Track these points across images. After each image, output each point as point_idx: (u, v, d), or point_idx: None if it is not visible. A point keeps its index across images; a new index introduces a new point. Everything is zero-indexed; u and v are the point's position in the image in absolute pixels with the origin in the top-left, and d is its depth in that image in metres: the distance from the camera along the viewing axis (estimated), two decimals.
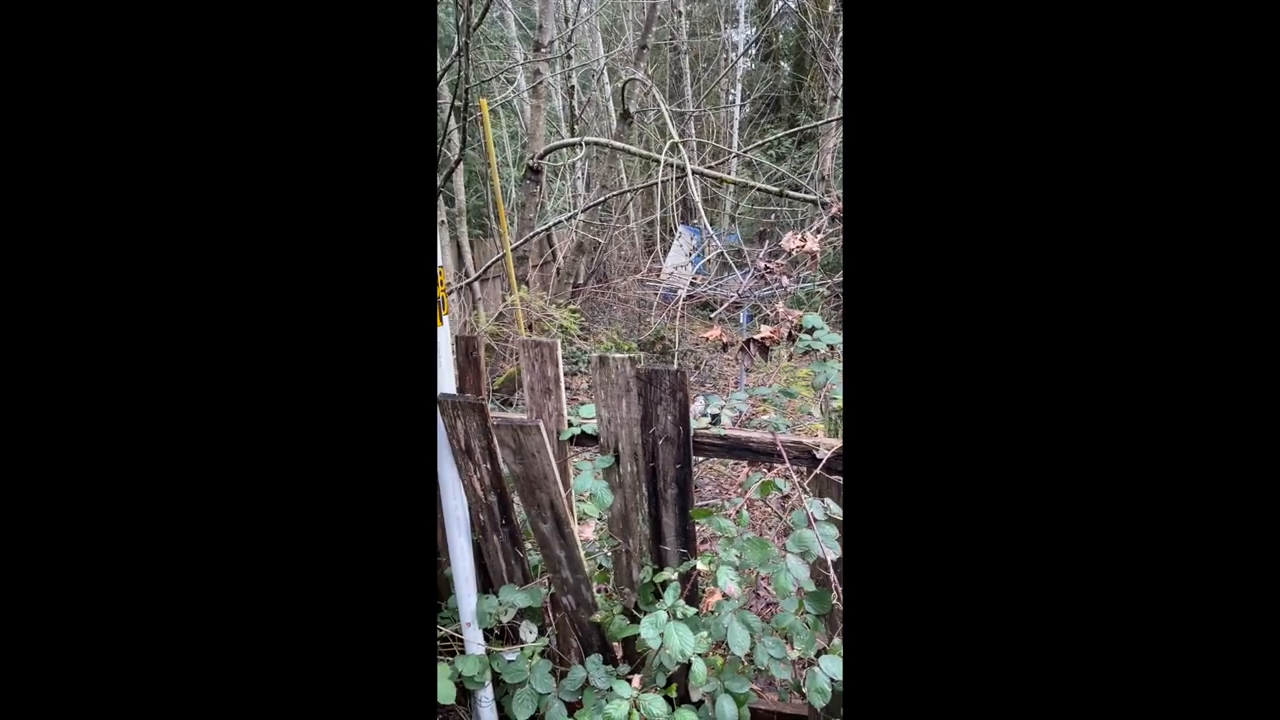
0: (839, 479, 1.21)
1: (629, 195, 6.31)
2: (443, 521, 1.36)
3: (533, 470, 1.25)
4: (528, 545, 1.44)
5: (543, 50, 4.40)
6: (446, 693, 1.22)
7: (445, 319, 1.21)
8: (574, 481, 1.33)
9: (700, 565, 1.11)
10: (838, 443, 1.21)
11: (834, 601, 1.07)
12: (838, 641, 1.07)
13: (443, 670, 1.26)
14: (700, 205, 2.66)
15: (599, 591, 1.46)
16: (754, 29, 10.70)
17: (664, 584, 1.16)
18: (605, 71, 8.05)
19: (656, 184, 2.71)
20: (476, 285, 4.40)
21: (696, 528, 1.31)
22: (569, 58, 5.61)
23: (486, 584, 1.44)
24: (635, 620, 1.24)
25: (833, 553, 1.05)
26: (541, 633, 1.38)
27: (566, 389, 1.40)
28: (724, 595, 1.05)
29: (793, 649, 1.10)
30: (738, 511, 1.16)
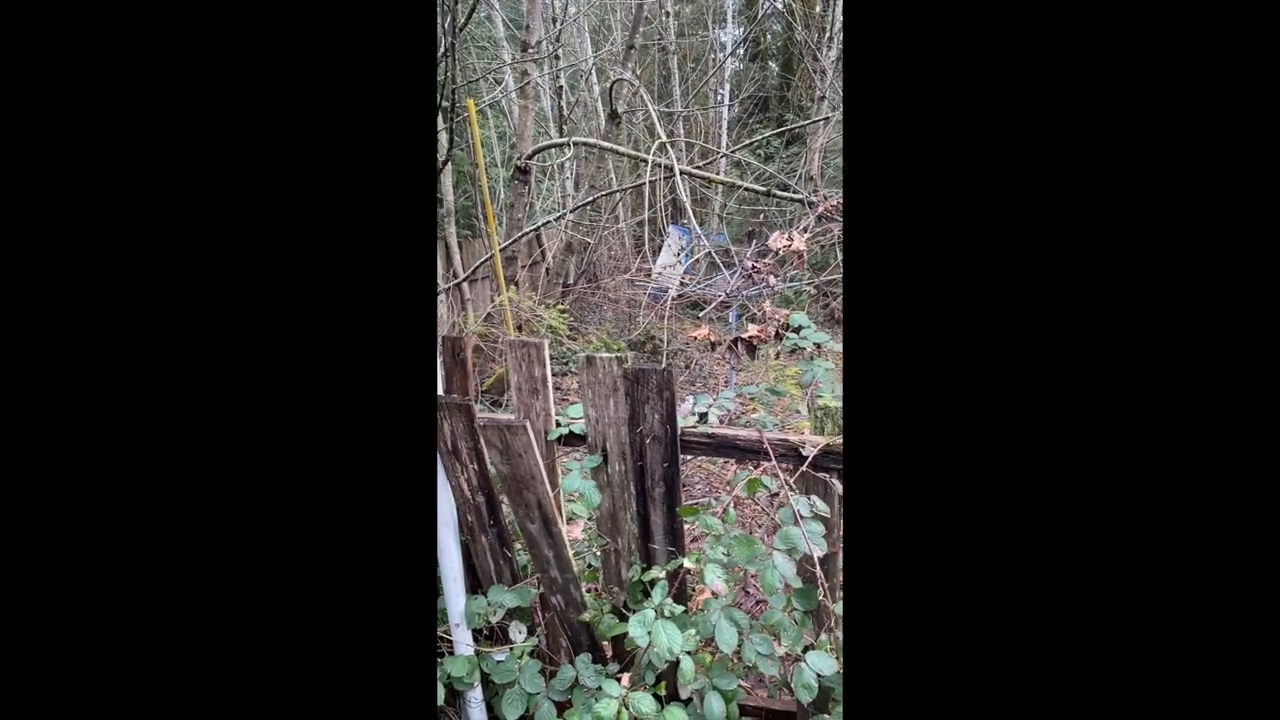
0: (825, 476, 1.22)
1: (618, 195, 6.31)
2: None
3: (520, 470, 1.25)
4: (516, 545, 1.44)
5: (530, 51, 4.39)
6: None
7: None
8: (562, 481, 1.33)
9: (688, 563, 1.11)
10: (824, 440, 1.22)
11: (820, 598, 1.08)
12: (824, 638, 1.08)
13: None
14: (688, 205, 2.67)
15: (588, 591, 1.47)
16: (742, 29, 10.74)
17: (652, 582, 1.17)
18: (594, 72, 8.05)
19: (644, 184, 2.71)
20: (465, 286, 4.38)
21: (686, 526, 1.32)
22: (557, 58, 5.61)
23: (475, 584, 1.44)
24: (624, 619, 1.24)
25: (818, 550, 1.06)
26: (530, 633, 1.38)
27: (557, 389, 1.40)
28: (712, 593, 1.06)
29: (780, 645, 1.11)
30: (725, 509, 1.17)
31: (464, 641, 1.37)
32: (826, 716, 1.01)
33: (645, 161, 2.84)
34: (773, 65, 11.82)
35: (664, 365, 1.21)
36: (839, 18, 8.11)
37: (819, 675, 1.01)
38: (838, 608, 1.06)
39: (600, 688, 1.11)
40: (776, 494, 1.27)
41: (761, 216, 7.10)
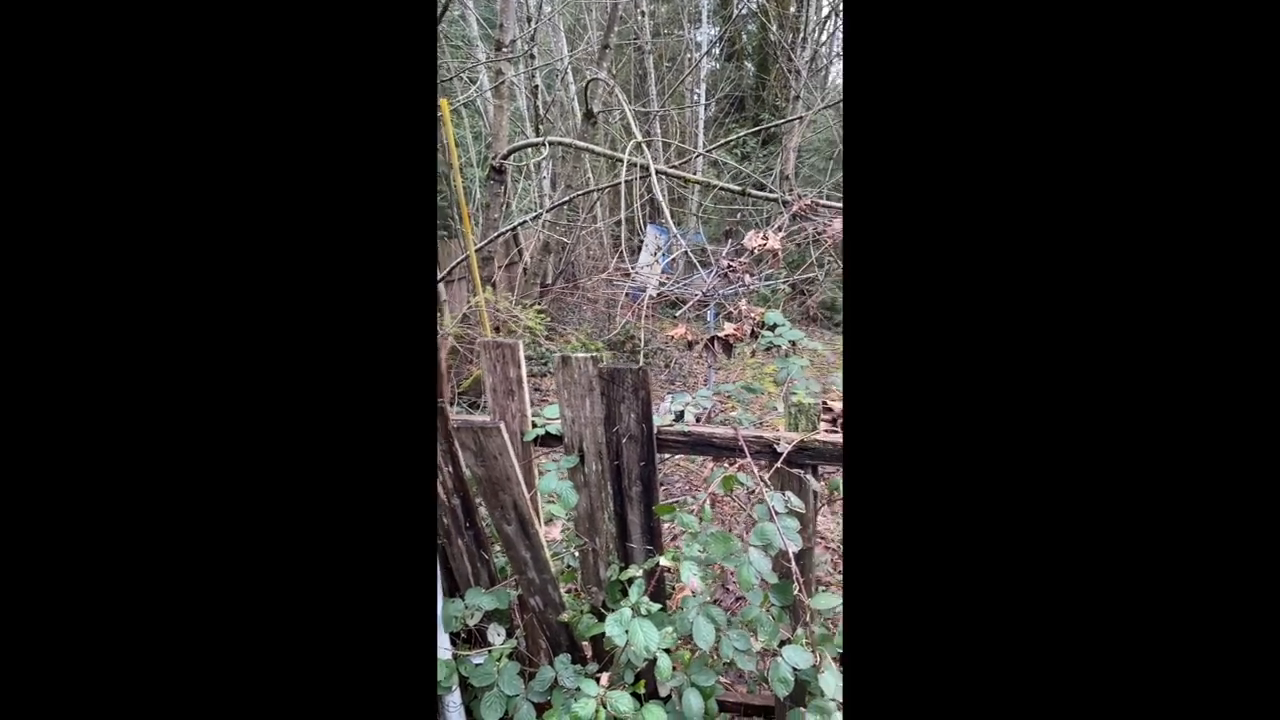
0: (799, 472, 1.24)
1: (595, 195, 6.30)
2: None
3: (495, 472, 1.24)
4: (494, 547, 1.43)
5: (504, 49, 4.37)
6: None
7: None
8: (539, 482, 1.33)
9: (664, 561, 1.11)
10: (798, 436, 1.24)
11: (795, 592, 1.09)
12: (800, 632, 1.09)
13: None
14: (664, 205, 2.67)
15: (568, 591, 1.46)
16: (717, 28, 10.79)
17: (630, 581, 1.17)
18: (569, 71, 8.02)
19: (620, 184, 2.71)
20: (441, 286, 4.34)
21: (664, 524, 1.32)
22: (532, 57, 5.58)
23: (452, 587, 1.43)
24: (603, 619, 1.24)
25: (793, 545, 1.07)
26: (509, 635, 1.38)
27: (536, 390, 1.40)
28: (689, 590, 1.06)
29: (757, 641, 1.12)
30: (700, 507, 1.17)
31: (442, 645, 1.36)
32: (803, 710, 1.02)
33: (621, 161, 2.84)
34: (748, 65, 11.90)
35: (639, 365, 1.21)
36: (812, 18, 8.19)
37: (795, 669, 1.02)
38: (813, 602, 1.08)
39: (579, 688, 1.11)
40: (755, 491, 1.28)
41: (739, 216, 7.14)
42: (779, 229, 2.25)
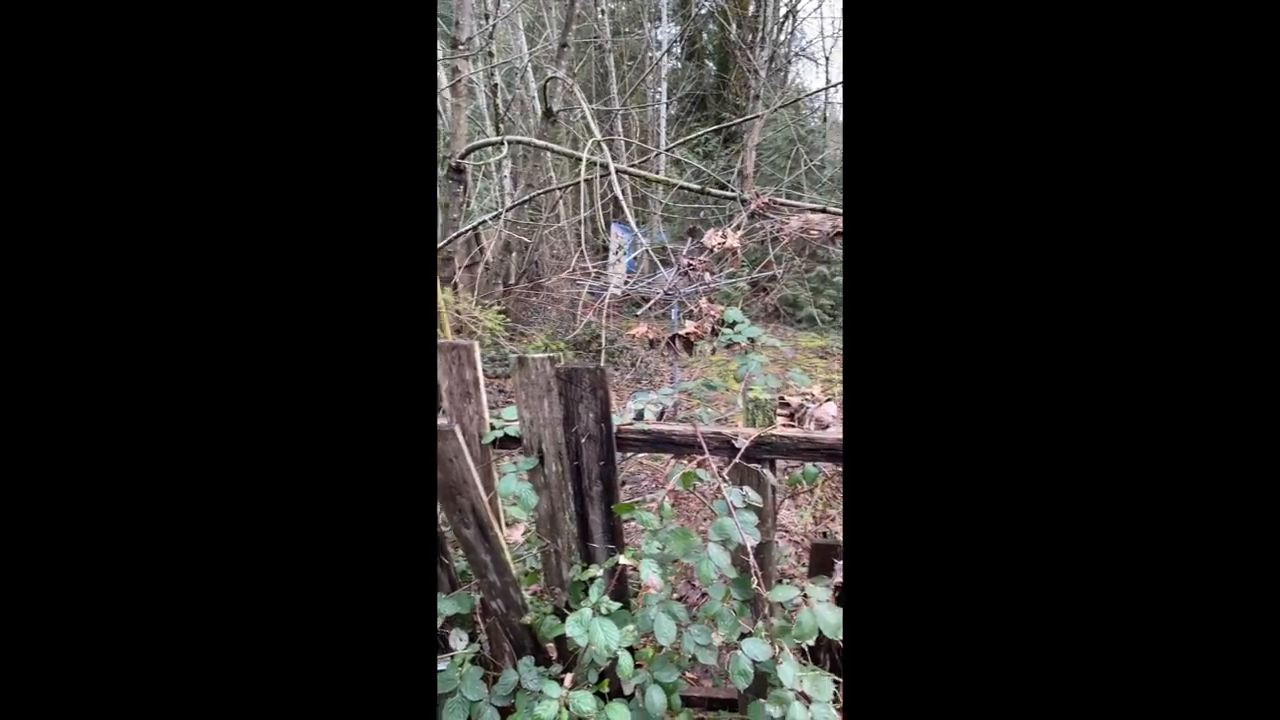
0: (757, 467, 1.25)
1: (558, 194, 6.26)
2: None
3: (451, 476, 1.22)
4: (455, 551, 1.41)
5: (460, 47, 4.30)
6: None
7: None
8: (499, 484, 1.31)
9: (624, 560, 1.12)
10: (755, 432, 1.25)
11: (754, 586, 1.11)
12: (760, 625, 1.11)
13: None
14: (625, 203, 2.67)
15: (531, 593, 1.45)
16: (678, 27, 10.83)
17: (592, 580, 1.17)
18: (530, 69, 7.95)
19: (580, 182, 2.71)
20: None
21: (630, 523, 1.33)
22: (491, 55, 5.51)
23: None
24: (567, 619, 1.24)
25: (751, 539, 1.09)
26: (472, 639, 1.36)
27: (501, 392, 1.38)
28: (648, 588, 1.07)
29: (718, 635, 1.13)
30: (659, 504, 1.18)
31: None
32: (763, 701, 1.03)
33: (582, 160, 2.83)
34: (709, 64, 11.98)
35: (597, 364, 1.21)
36: (770, 18, 8.29)
37: (755, 661, 1.03)
38: (771, 595, 1.09)
39: (542, 690, 1.10)
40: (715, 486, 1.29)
41: (701, 214, 7.19)
42: (738, 227, 2.28)
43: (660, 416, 1.75)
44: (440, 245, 3.94)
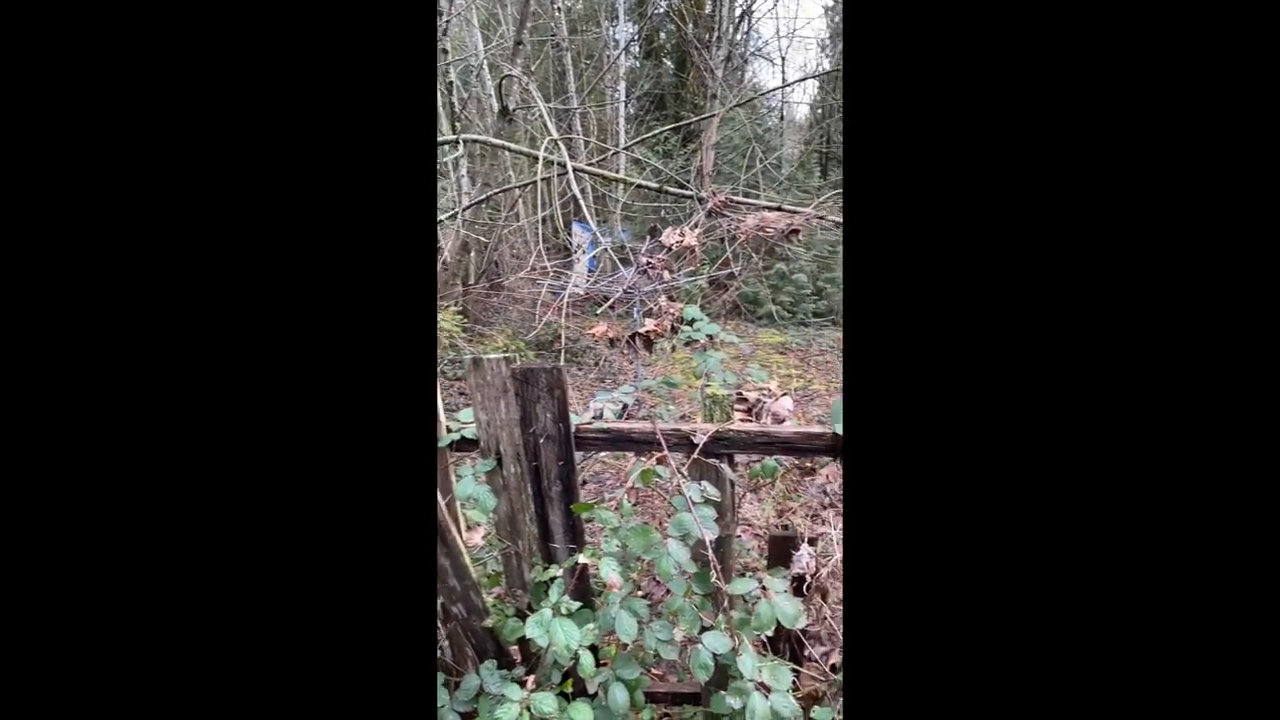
0: (715, 461, 1.27)
1: (518, 193, 6.20)
2: None
3: None
4: None
5: None
6: None
7: None
8: (456, 487, 1.30)
9: (582, 559, 1.12)
10: (713, 427, 1.27)
11: (713, 580, 1.12)
12: (721, 618, 1.12)
13: None
14: (583, 203, 2.67)
15: (494, 596, 1.44)
16: (635, 25, 10.84)
17: (553, 580, 1.17)
18: (485, 67, 7.85)
19: (536, 181, 2.69)
20: None
21: (592, 522, 1.32)
22: (446, 52, 5.42)
23: None
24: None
25: (710, 533, 1.10)
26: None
27: (461, 394, 1.36)
28: (607, 585, 1.07)
29: (680, 630, 1.14)
30: (618, 502, 1.18)
31: None
32: (723, 693, 1.05)
33: (539, 159, 2.81)
34: (667, 63, 12.03)
35: (554, 364, 1.20)
36: (725, 18, 8.37)
37: (715, 654, 1.04)
38: (730, 588, 1.11)
39: (504, 694, 1.10)
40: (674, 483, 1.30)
41: (661, 213, 7.22)
42: (695, 226, 2.30)
43: (622, 415, 1.75)
44: None
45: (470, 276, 6.20)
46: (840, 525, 1.67)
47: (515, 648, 1.43)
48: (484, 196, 4.53)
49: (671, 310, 1.80)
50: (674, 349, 1.89)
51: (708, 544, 1.11)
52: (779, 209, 2.49)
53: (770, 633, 1.11)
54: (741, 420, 1.39)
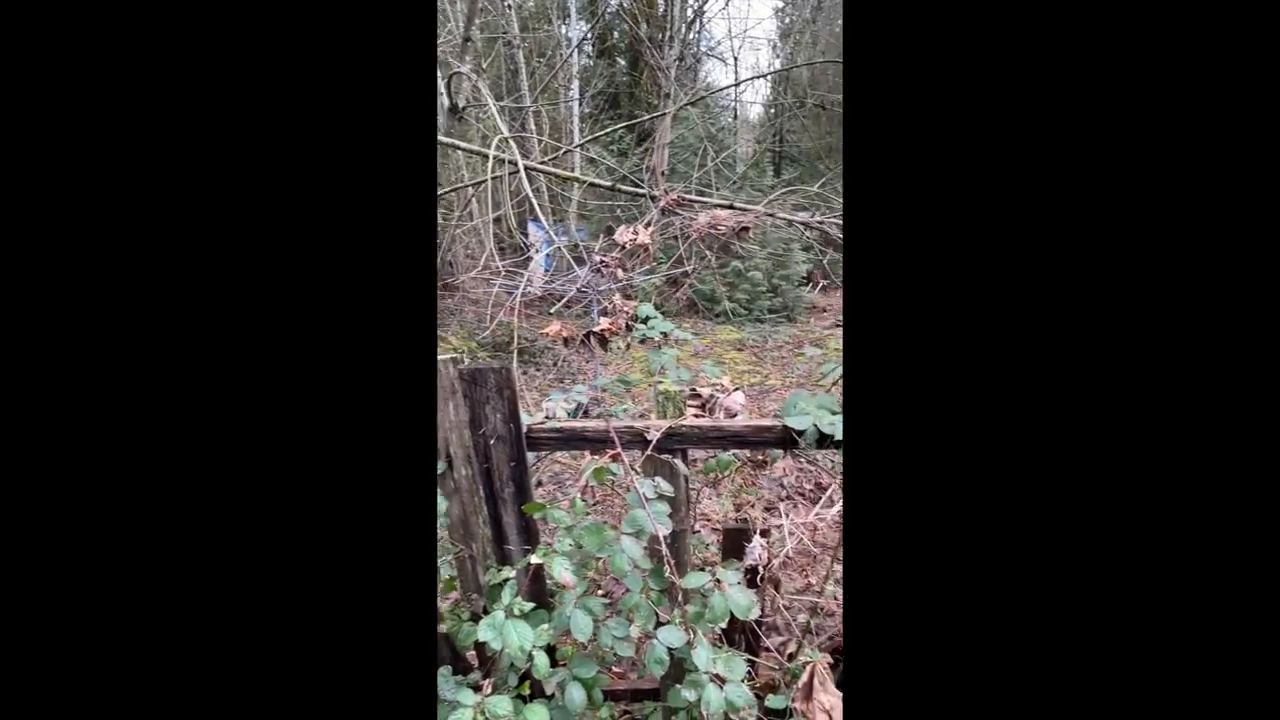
0: (668, 457, 1.27)
1: (471, 191, 6.10)
2: None
3: None
4: None
5: None
6: None
7: None
8: None
9: (535, 559, 1.11)
10: (666, 424, 1.27)
11: (666, 575, 1.13)
12: (676, 613, 1.13)
13: None
14: (536, 202, 2.64)
15: (450, 601, 1.41)
16: (587, 24, 10.81)
17: (505, 582, 1.15)
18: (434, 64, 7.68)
19: (488, 180, 2.65)
20: None
21: (546, 523, 1.31)
22: None
23: None
24: None
25: (664, 529, 1.10)
26: None
27: None
28: (560, 585, 1.06)
29: (636, 626, 1.14)
30: (572, 501, 1.18)
31: None
32: (679, 686, 1.05)
33: (491, 158, 2.77)
34: (621, 62, 12.03)
35: (502, 364, 1.19)
36: (678, 18, 8.42)
37: (670, 648, 1.05)
38: (683, 582, 1.12)
39: (458, 699, 1.08)
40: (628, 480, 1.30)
41: (617, 212, 7.21)
42: (649, 224, 2.30)
43: (576, 414, 1.74)
44: None
45: None
46: (790, 517, 1.70)
47: (471, 652, 1.41)
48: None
49: (626, 309, 1.80)
50: (628, 347, 1.89)
51: (662, 539, 1.11)
52: (731, 207, 2.52)
53: (725, 625, 1.12)
54: (695, 416, 1.40)
